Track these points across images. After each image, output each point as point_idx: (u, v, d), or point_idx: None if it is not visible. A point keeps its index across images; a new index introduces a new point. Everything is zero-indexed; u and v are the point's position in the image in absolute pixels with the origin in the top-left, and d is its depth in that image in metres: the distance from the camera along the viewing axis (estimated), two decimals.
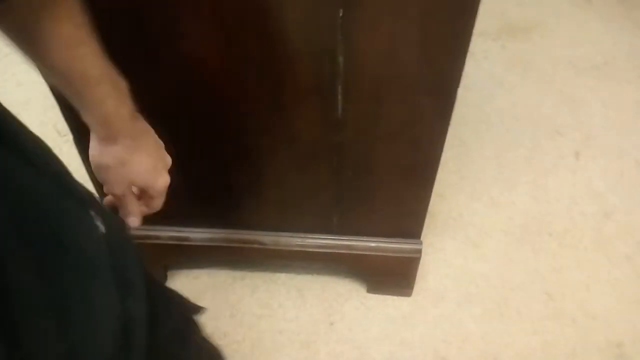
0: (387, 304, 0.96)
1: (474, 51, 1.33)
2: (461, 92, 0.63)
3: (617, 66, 1.31)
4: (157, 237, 0.88)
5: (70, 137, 0.71)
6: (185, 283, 0.97)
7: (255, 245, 0.88)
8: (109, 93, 0.48)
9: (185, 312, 0.62)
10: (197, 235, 0.89)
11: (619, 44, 1.36)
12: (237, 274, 1.00)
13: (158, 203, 0.59)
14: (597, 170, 1.13)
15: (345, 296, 0.97)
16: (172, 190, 0.78)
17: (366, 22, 0.57)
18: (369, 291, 0.97)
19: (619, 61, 1.32)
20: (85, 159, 0.62)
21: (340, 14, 0.56)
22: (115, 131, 0.51)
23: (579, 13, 1.43)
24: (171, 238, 0.89)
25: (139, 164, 0.55)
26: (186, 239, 0.89)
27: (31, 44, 0.43)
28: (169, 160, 0.58)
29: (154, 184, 0.56)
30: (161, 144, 0.56)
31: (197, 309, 0.63)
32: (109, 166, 0.54)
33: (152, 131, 0.54)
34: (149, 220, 0.89)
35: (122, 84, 0.48)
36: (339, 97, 0.65)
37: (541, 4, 1.45)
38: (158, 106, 0.53)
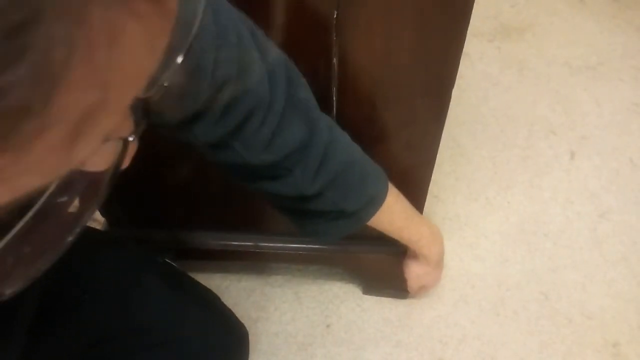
0: (383, 306, 0.96)
1: (469, 52, 1.33)
2: (456, 92, 0.63)
3: (612, 66, 1.31)
4: (152, 240, 0.88)
5: None
6: None
7: (251, 248, 0.88)
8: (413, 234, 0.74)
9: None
10: (192, 238, 0.88)
11: (613, 44, 1.36)
12: (233, 276, 1.00)
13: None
14: (592, 170, 1.13)
15: (342, 298, 0.97)
16: (165, 193, 0.78)
17: (361, 23, 0.57)
18: (365, 293, 0.97)
19: (613, 61, 1.32)
20: None
21: (335, 15, 0.56)
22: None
23: (573, 13, 1.43)
24: (166, 241, 0.88)
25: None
26: (181, 241, 0.88)
27: None
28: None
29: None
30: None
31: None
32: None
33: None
34: (144, 222, 0.89)
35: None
36: (334, 98, 0.65)
37: (535, 4, 1.45)
38: None
